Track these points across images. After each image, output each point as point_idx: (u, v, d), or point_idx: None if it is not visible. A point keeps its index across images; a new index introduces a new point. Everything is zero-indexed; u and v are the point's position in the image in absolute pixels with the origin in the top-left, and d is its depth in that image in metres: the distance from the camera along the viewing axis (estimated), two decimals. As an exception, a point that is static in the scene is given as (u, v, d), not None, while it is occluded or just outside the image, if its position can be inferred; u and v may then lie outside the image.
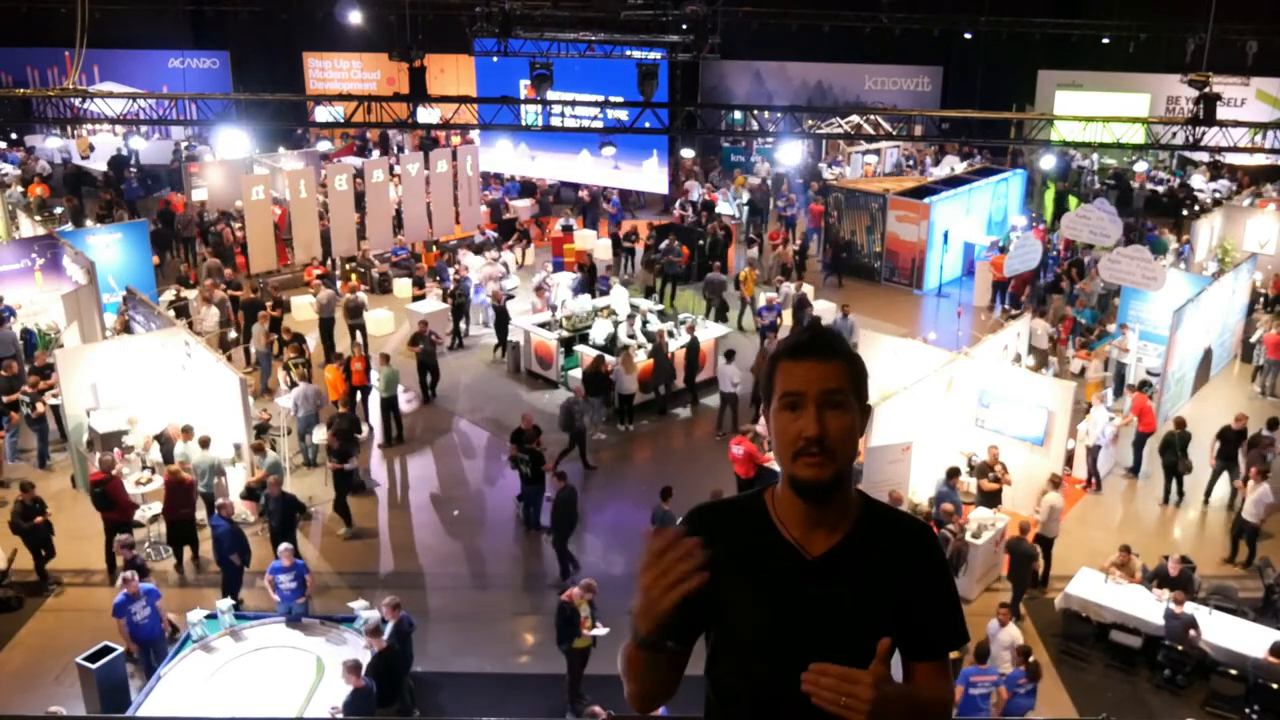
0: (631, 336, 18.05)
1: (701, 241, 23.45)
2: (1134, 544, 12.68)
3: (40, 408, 15.34)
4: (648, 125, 19.01)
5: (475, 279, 21.08)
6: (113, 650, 10.53)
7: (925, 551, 2.27)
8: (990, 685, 10.18)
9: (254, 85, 28.23)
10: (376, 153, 31.18)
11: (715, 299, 20.80)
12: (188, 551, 13.29)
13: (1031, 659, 10.51)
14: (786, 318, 20.22)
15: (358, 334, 19.09)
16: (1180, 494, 15.10)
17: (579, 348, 17.97)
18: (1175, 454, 14.83)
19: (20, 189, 26.35)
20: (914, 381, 13.59)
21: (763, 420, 12.58)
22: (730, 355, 16.72)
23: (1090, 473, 15.27)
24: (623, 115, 20.34)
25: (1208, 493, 15.04)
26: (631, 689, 2.22)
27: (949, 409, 14.32)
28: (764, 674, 2.17)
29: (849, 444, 2.14)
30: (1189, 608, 11.38)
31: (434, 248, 23.94)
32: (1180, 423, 15.03)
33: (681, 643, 2.21)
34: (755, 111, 20.56)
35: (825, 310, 20.84)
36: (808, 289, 21.62)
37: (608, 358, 17.15)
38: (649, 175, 27.97)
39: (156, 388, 14.36)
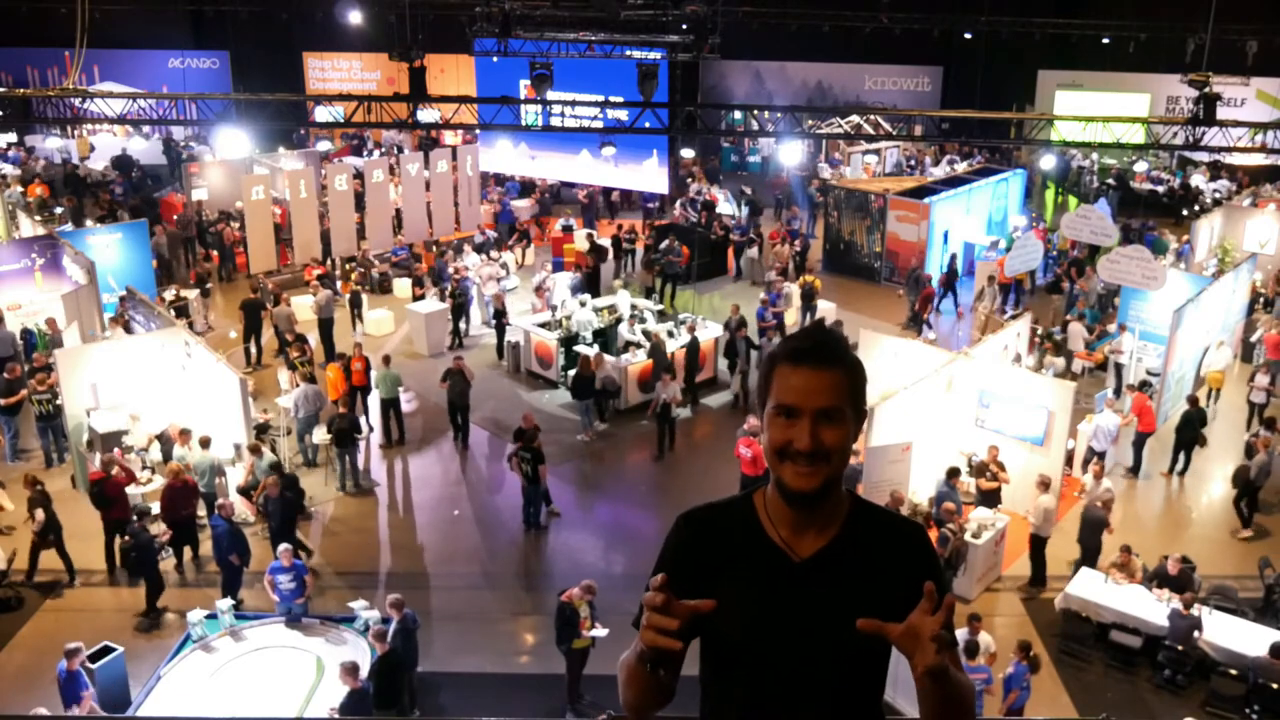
0: (638, 333, 18.30)
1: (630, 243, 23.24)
2: (1134, 544, 12.68)
3: (35, 404, 15.31)
4: (648, 125, 19.01)
5: (475, 278, 21.09)
6: (113, 650, 10.54)
7: (915, 551, 2.26)
8: (982, 684, 10.18)
9: (254, 85, 28.23)
10: (376, 153, 31.22)
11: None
12: (188, 551, 13.29)
13: (1032, 653, 10.51)
14: (792, 315, 20.30)
15: None
16: (1187, 465, 15.73)
17: (579, 347, 17.99)
18: (1195, 429, 15.46)
19: (20, 189, 26.36)
20: (914, 381, 13.58)
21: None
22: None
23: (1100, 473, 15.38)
24: (623, 115, 20.35)
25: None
26: (629, 698, 2.22)
27: (949, 409, 14.32)
28: (752, 676, 2.18)
29: (841, 455, 2.13)
30: (1193, 609, 11.38)
31: (434, 247, 23.95)
32: (1194, 400, 15.75)
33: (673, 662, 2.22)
34: (755, 111, 20.58)
35: (827, 311, 20.87)
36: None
37: (604, 357, 17.26)
38: (649, 175, 27.98)
39: (156, 388, 14.37)
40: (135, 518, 12.40)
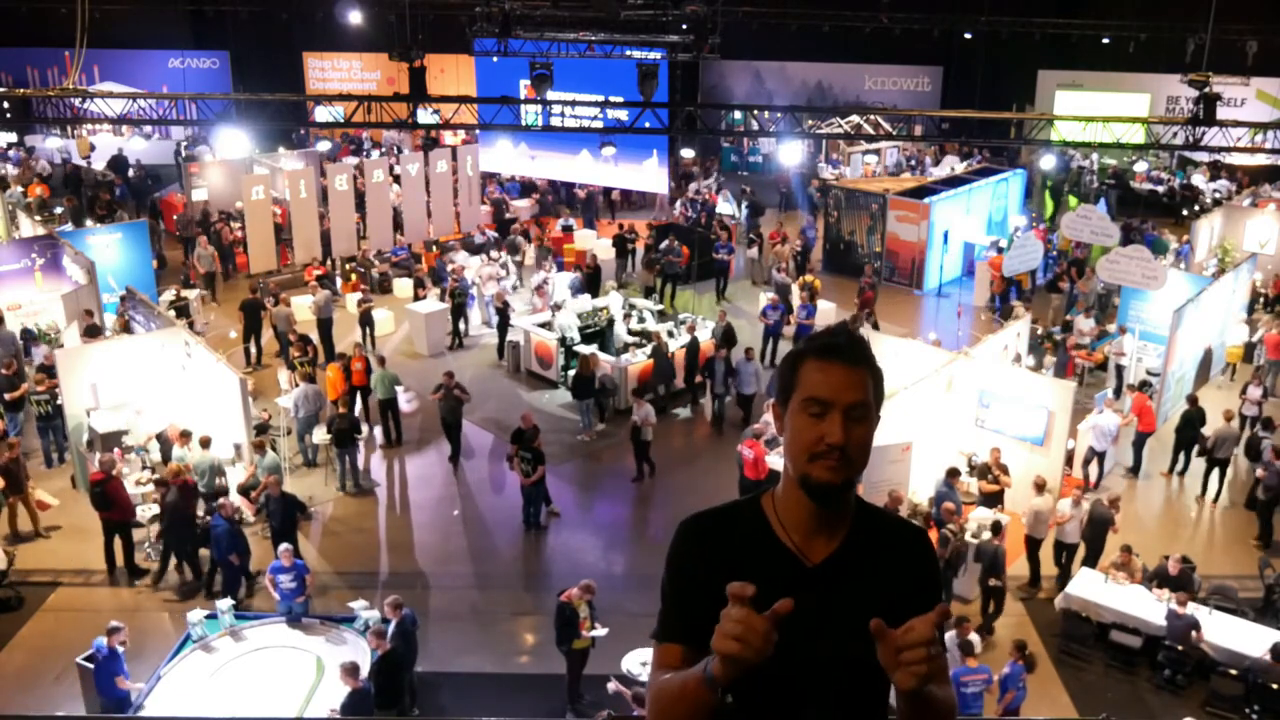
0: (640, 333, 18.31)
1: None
2: (1134, 544, 12.68)
3: (35, 405, 15.30)
4: (648, 125, 18.99)
5: (474, 279, 21.09)
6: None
7: (920, 557, 2.28)
8: (982, 684, 10.19)
9: (254, 85, 28.22)
10: (375, 153, 31.21)
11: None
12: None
13: (1028, 652, 10.51)
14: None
15: None
16: (1187, 465, 15.77)
17: (579, 347, 17.99)
18: (1195, 429, 15.44)
19: (20, 189, 26.35)
20: (914, 381, 13.57)
21: (769, 414, 12.57)
22: (749, 353, 17.13)
23: (1098, 475, 15.37)
24: (623, 115, 20.33)
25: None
26: None
27: (949, 409, 14.31)
28: (764, 682, 2.15)
29: (866, 452, 2.15)
30: (1190, 608, 11.38)
31: (434, 247, 23.94)
32: (1194, 400, 15.73)
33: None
34: (755, 111, 20.58)
35: (827, 311, 20.86)
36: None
37: (604, 356, 17.26)
38: (649, 175, 27.98)
39: (156, 388, 14.36)
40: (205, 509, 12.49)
